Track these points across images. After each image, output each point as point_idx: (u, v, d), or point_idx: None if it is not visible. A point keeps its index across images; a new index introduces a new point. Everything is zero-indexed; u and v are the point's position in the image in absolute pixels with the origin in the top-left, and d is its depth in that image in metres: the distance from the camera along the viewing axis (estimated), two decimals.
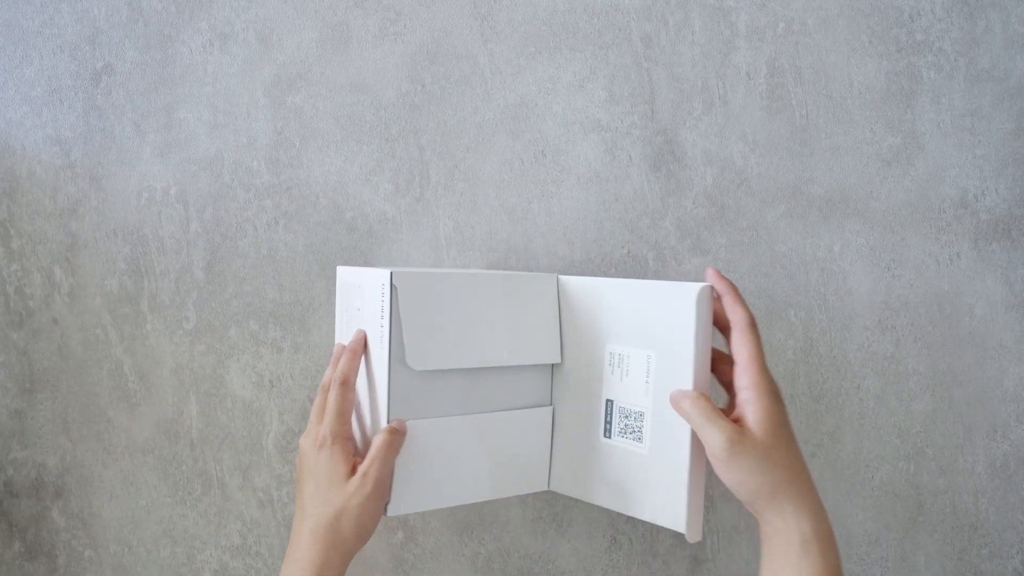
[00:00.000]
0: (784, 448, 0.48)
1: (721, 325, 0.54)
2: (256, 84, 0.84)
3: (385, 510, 0.56)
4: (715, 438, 0.48)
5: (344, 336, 0.65)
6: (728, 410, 0.52)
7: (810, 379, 0.80)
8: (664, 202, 0.80)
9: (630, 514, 0.59)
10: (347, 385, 0.57)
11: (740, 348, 0.50)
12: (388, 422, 0.56)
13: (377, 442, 0.54)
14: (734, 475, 0.48)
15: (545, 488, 0.66)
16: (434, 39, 0.82)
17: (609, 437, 0.59)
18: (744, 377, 0.49)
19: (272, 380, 0.84)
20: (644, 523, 0.81)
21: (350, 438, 0.56)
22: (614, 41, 0.80)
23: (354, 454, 0.56)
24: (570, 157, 0.81)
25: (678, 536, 0.81)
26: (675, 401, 0.52)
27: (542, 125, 0.81)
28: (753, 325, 0.51)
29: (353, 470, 0.54)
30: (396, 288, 0.56)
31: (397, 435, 0.54)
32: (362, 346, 0.58)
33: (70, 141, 0.85)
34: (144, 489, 0.85)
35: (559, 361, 0.64)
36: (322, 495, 0.53)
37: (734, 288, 0.53)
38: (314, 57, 0.83)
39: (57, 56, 0.86)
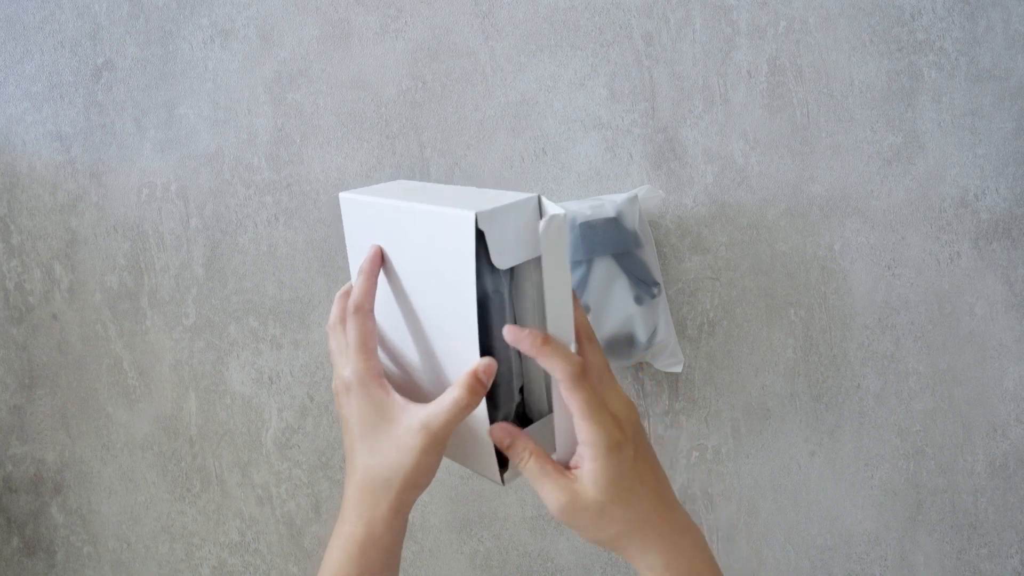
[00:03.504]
0: (623, 503, 0.45)
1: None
2: (257, 80, 0.83)
3: (502, 480, 0.49)
4: (547, 499, 0.45)
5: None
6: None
7: (810, 378, 0.80)
8: (664, 200, 0.80)
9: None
10: (363, 312, 0.48)
11: (570, 400, 0.45)
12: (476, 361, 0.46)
13: (453, 395, 0.45)
14: (576, 527, 0.46)
15: None
16: (435, 36, 0.82)
17: None
18: (580, 431, 0.45)
19: (272, 377, 0.84)
20: None
21: (381, 373, 0.48)
22: (615, 39, 0.80)
23: (389, 392, 0.48)
24: (571, 155, 0.81)
25: None
26: (504, 448, 0.47)
27: (543, 123, 0.81)
28: (580, 376, 0.45)
29: (393, 412, 0.47)
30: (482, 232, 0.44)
31: (480, 388, 0.45)
32: (377, 265, 0.49)
33: (70, 137, 0.85)
34: (143, 485, 0.85)
35: None
36: (368, 445, 0.47)
37: (546, 337, 0.45)
38: (315, 54, 0.83)
39: (58, 52, 0.86)
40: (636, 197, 0.75)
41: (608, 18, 0.80)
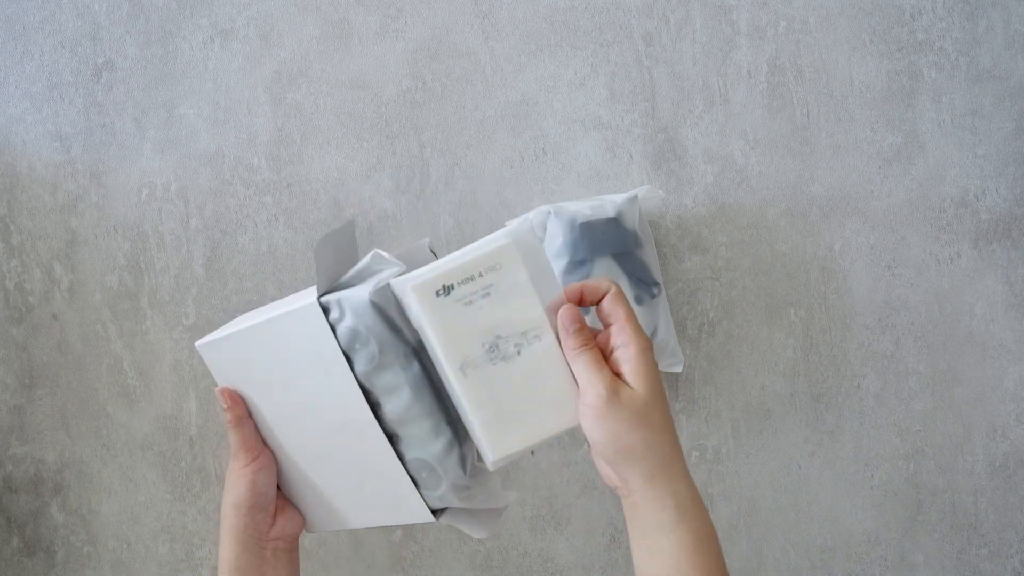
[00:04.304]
0: (661, 408, 0.46)
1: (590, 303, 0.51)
2: (257, 81, 0.84)
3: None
4: (593, 390, 0.46)
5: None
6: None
7: (810, 378, 0.80)
8: (664, 200, 0.80)
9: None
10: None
11: (614, 310, 0.48)
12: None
13: None
14: (607, 428, 0.46)
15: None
16: (435, 36, 0.82)
17: None
18: (621, 335, 0.47)
19: None
20: None
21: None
22: (615, 39, 0.80)
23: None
24: (571, 155, 0.81)
25: None
26: (563, 340, 0.49)
27: (543, 123, 0.81)
28: (621, 292, 0.49)
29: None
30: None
31: (227, 412, 0.55)
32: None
33: (71, 137, 0.85)
34: (143, 485, 0.85)
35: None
36: None
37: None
38: (315, 54, 0.83)
39: (58, 52, 0.86)
40: (636, 197, 0.75)
41: (608, 18, 0.80)
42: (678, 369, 0.76)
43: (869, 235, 0.79)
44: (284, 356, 0.51)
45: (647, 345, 0.47)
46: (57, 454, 0.86)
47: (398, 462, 0.50)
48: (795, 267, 0.80)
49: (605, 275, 0.73)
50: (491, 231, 0.81)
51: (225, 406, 0.55)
